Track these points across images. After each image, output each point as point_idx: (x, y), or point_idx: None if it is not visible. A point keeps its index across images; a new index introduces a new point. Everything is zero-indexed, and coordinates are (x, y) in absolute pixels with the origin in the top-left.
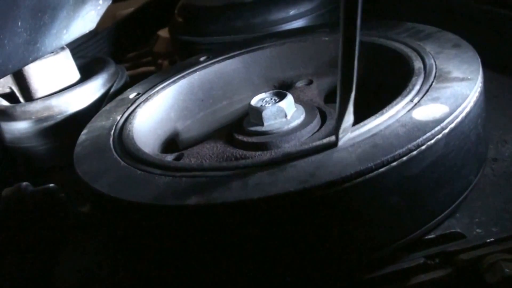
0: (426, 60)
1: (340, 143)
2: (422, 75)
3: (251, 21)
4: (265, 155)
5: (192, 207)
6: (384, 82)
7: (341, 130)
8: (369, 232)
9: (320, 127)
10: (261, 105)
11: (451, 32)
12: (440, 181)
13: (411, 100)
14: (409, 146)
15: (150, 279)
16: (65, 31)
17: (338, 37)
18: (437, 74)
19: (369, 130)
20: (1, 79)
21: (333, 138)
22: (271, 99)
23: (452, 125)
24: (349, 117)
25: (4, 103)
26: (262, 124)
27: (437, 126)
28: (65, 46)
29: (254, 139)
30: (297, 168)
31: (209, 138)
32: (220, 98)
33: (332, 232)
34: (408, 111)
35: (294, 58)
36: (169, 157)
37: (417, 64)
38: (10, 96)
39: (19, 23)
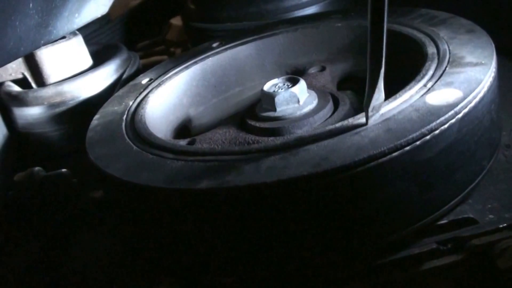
0: (440, 46)
1: (370, 121)
2: (436, 60)
3: (264, 7)
4: (277, 140)
5: (205, 191)
6: (398, 67)
7: (371, 108)
8: (382, 217)
9: (333, 113)
10: (274, 91)
11: (465, 18)
12: (453, 166)
13: (425, 85)
14: (423, 130)
15: (163, 263)
16: (77, 15)
17: (351, 23)
18: (450, 59)
19: (382, 114)
20: (13, 65)
21: (362, 118)
22: (284, 84)
23: (466, 110)
24: (380, 94)
25: (17, 88)
26: (275, 110)
27: (450, 110)
28: (77, 32)
29: (266, 125)
30: (310, 152)
31: (222, 124)
32: (232, 84)
33: (344, 216)
34: (422, 95)
35: (306, 44)
36: (182, 142)
37: (431, 50)
38: (22, 82)
39: (31, 5)
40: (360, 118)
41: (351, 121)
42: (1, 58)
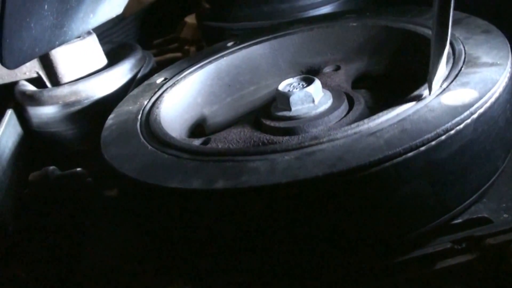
0: (455, 46)
1: (432, 92)
2: (451, 60)
3: (279, 6)
4: (292, 140)
5: (220, 191)
6: (413, 67)
7: (434, 82)
8: (397, 217)
9: (348, 113)
10: (289, 90)
11: (481, 18)
12: (468, 166)
13: (440, 85)
14: (438, 131)
15: (177, 262)
16: (91, 15)
17: (366, 23)
18: (466, 60)
19: (397, 115)
20: (28, 64)
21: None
22: (299, 84)
23: (481, 110)
24: (443, 70)
25: (31, 88)
26: (290, 109)
27: (466, 111)
28: (92, 31)
29: (281, 124)
30: (325, 152)
31: (236, 123)
32: (247, 83)
33: (360, 216)
34: (437, 96)
35: (321, 43)
36: (196, 142)
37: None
38: (37, 81)
39: (46, 6)
40: (375, 119)
41: (367, 121)
42: (17, 59)
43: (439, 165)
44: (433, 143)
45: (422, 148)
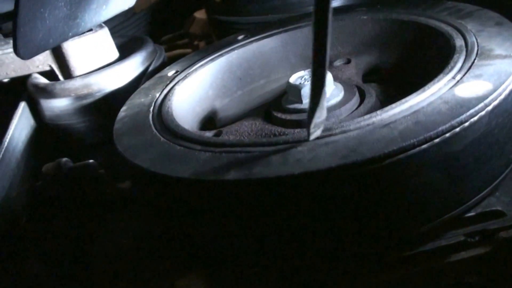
0: (468, 38)
1: (312, 138)
2: (464, 53)
3: (289, 0)
4: (304, 132)
5: (232, 182)
6: (425, 60)
7: (312, 125)
8: (410, 210)
9: (359, 105)
10: (300, 83)
11: (492, 11)
12: (481, 158)
13: (453, 77)
14: (452, 123)
15: (190, 253)
16: (104, 7)
17: (376, 16)
18: (479, 52)
19: (411, 106)
20: (41, 57)
21: (390, 110)
22: (310, 76)
23: (496, 102)
24: (321, 112)
25: (44, 80)
26: (301, 102)
27: (480, 103)
28: (103, 25)
29: (293, 117)
30: (338, 144)
31: (247, 116)
32: (257, 76)
33: (372, 209)
34: (450, 88)
35: (332, 37)
36: (208, 134)
37: (459, 42)
38: (49, 74)
39: None
40: (389, 111)
41: (380, 112)
42: (31, 50)
43: (453, 158)
44: (447, 135)
45: (437, 140)
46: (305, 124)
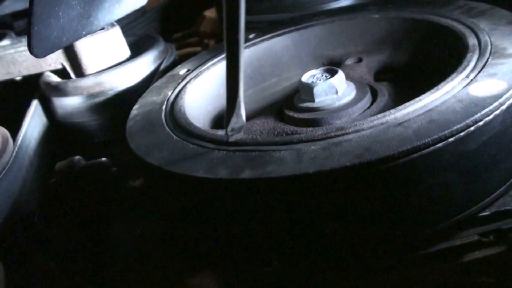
0: (481, 37)
1: (231, 139)
2: (477, 52)
3: None
4: (317, 131)
5: (246, 180)
6: (437, 59)
7: (229, 129)
8: (424, 209)
9: (371, 104)
10: (312, 81)
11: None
12: (496, 157)
13: (467, 76)
14: (467, 121)
15: (202, 252)
16: (117, 5)
17: (388, 15)
18: (492, 51)
19: (424, 105)
20: (53, 55)
21: (404, 109)
22: (322, 75)
23: (510, 101)
24: (239, 119)
25: (56, 79)
26: (313, 101)
27: (495, 101)
28: (115, 23)
29: (305, 115)
30: (352, 142)
31: (259, 115)
32: (269, 75)
33: (387, 207)
34: (464, 87)
35: (343, 35)
36: (220, 133)
37: (472, 41)
38: (61, 72)
39: None
40: (402, 110)
41: (393, 111)
42: (45, 48)
43: (468, 157)
44: (462, 134)
45: (451, 139)
46: (318, 122)
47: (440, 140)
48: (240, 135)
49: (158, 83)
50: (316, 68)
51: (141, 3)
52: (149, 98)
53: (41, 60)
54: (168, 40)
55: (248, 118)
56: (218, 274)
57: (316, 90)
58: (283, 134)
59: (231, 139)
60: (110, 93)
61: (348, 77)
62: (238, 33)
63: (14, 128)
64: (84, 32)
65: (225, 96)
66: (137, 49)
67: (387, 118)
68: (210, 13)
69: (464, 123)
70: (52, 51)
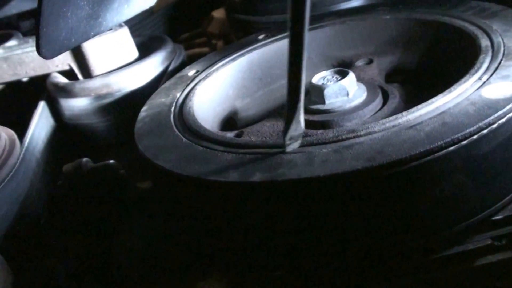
0: (494, 38)
1: (288, 150)
2: (490, 53)
3: None
4: (328, 133)
5: (257, 183)
6: (449, 60)
7: (288, 137)
8: (436, 212)
9: (382, 106)
10: (323, 83)
11: None
12: (509, 160)
13: (480, 78)
14: (480, 124)
15: (212, 256)
16: (126, 6)
17: (399, 16)
18: (505, 52)
19: (437, 108)
20: (60, 56)
21: (416, 111)
22: (333, 77)
23: None
24: (298, 125)
25: (63, 80)
26: (324, 102)
27: (508, 104)
28: (123, 24)
29: (315, 118)
30: (363, 145)
31: (269, 117)
32: (278, 76)
33: (398, 211)
34: (477, 89)
35: (353, 36)
36: (229, 135)
37: (484, 42)
38: (68, 73)
39: None
40: (414, 112)
41: (405, 114)
42: (53, 49)
43: (481, 160)
44: (475, 137)
45: (464, 142)
46: (329, 125)
47: (453, 143)
48: (298, 143)
49: (167, 84)
50: (326, 69)
51: (150, 4)
52: (158, 100)
53: (48, 61)
54: (175, 41)
55: (257, 120)
56: (227, 278)
57: (327, 92)
58: None
59: (289, 149)
60: (118, 95)
61: (359, 79)
62: (303, 29)
63: (21, 129)
64: (92, 33)
65: (287, 100)
66: (145, 50)
67: (399, 120)
68: (218, 13)
69: (477, 125)
70: (60, 52)
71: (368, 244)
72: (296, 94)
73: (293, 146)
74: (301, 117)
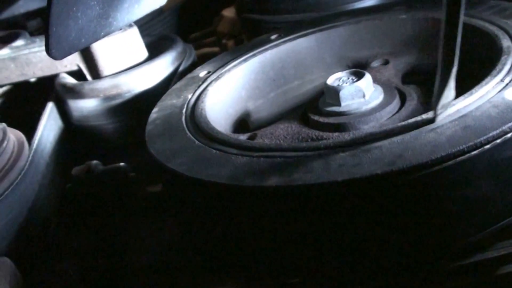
0: None
1: (439, 119)
2: None
3: None
4: (346, 136)
5: (272, 188)
6: (469, 61)
7: (439, 106)
8: (457, 219)
9: (400, 108)
10: (338, 85)
11: None
12: None
13: (502, 80)
14: (503, 128)
15: (227, 262)
16: (136, 6)
17: (415, 15)
18: None
19: (458, 111)
20: (69, 57)
21: (430, 114)
22: (348, 78)
23: None
24: (450, 92)
25: (72, 80)
26: (339, 105)
27: None
28: (133, 24)
29: (331, 120)
30: (382, 149)
31: (282, 119)
32: (291, 77)
33: (419, 218)
34: (499, 91)
35: (369, 37)
36: (242, 137)
37: (506, 43)
38: (77, 74)
39: None
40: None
41: (422, 117)
42: (63, 50)
43: (504, 164)
44: (498, 141)
45: (487, 146)
46: (345, 127)
47: (476, 147)
48: (448, 112)
49: (178, 85)
50: (341, 70)
51: (161, 3)
52: (169, 101)
53: (56, 62)
54: (185, 40)
55: (270, 121)
56: (242, 286)
57: (343, 94)
58: (308, 140)
59: (439, 118)
60: (128, 96)
61: (375, 80)
62: None
63: (29, 131)
64: (103, 33)
65: (438, 66)
66: (155, 50)
67: (419, 123)
68: (228, 12)
69: (500, 129)
70: (70, 52)
71: (386, 251)
72: (451, 55)
73: (443, 115)
74: (453, 83)
